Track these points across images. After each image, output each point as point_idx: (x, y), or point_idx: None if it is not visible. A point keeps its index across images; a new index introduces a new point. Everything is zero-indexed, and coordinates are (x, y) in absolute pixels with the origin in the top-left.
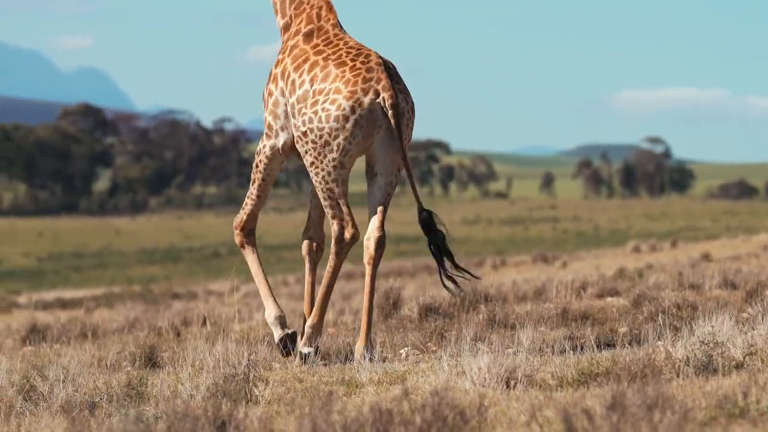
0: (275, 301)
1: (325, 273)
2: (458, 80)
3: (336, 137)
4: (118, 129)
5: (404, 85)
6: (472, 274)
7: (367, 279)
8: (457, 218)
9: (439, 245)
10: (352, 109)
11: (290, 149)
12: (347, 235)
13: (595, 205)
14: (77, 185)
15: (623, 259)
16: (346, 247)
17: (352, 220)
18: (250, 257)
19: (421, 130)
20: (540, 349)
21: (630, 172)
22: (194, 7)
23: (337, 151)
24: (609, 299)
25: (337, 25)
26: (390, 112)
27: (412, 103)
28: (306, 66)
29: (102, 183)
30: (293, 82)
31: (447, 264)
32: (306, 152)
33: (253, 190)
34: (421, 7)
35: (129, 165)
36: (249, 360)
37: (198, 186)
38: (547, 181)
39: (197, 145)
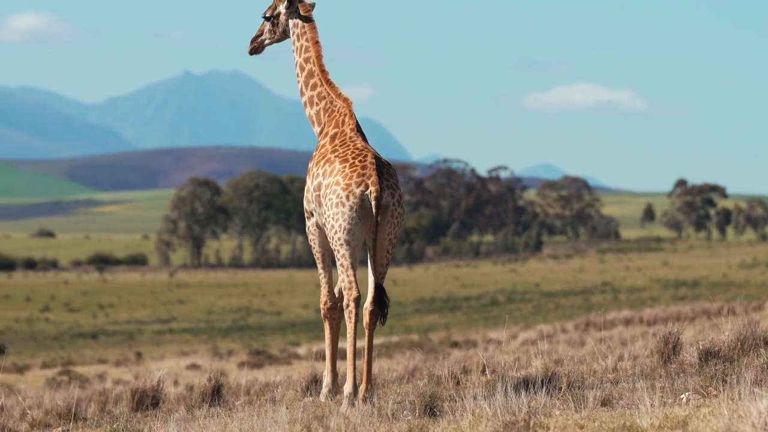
0: (335, 377)
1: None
2: (733, 123)
3: (338, 220)
4: None
5: (395, 181)
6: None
7: (366, 342)
8: (735, 262)
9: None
10: (347, 197)
11: (323, 226)
12: (348, 298)
13: None
14: None
15: None
16: (352, 309)
17: (355, 286)
18: (326, 331)
19: (697, 174)
20: None
21: None
22: (468, 55)
23: (340, 230)
24: None
25: (355, 129)
26: (373, 203)
27: (400, 196)
28: (322, 161)
29: None
30: (314, 174)
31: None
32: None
33: (319, 269)
34: (690, 48)
35: (406, 215)
36: (529, 407)
37: (474, 234)
38: None
39: (473, 194)
